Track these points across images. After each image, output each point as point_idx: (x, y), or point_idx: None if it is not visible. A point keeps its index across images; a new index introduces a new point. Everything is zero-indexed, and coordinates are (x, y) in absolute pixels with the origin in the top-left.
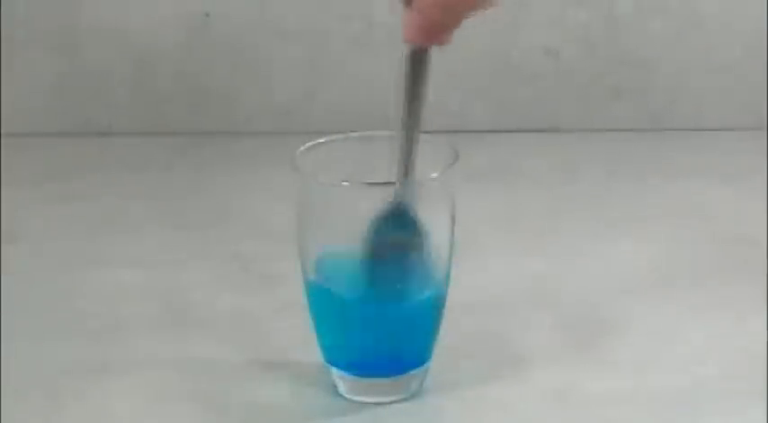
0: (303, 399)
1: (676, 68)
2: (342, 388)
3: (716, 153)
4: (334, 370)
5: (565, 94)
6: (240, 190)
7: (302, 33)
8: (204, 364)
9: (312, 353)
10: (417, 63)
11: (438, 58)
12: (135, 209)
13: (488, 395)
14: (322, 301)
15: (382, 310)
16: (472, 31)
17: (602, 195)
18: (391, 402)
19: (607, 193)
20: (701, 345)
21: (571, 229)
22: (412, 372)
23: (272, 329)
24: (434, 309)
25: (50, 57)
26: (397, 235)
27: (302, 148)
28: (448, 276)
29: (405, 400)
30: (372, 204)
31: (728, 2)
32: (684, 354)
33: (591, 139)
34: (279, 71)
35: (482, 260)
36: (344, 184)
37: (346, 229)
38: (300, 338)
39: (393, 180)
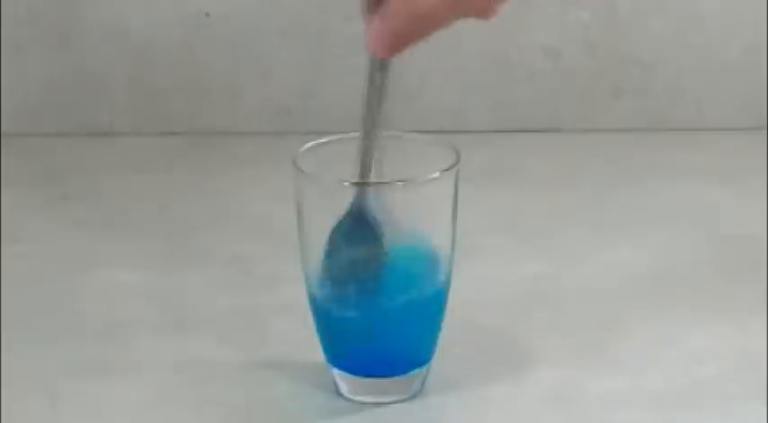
0: (303, 399)
1: (676, 68)
2: (343, 388)
3: (716, 153)
4: (334, 370)
5: (565, 94)
6: (240, 190)
7: (302, 33)
8: (204, 365)
9: (312, 353)
10: (379, 71)
11: (438, 58)
12: (135, 209)
13: (488, 395)
14: (323, 300)
15: (383, 310)
16: (472, 31)
17: (602, 195)
18: (392, 402)
19: (607, 193)
20: (701, 345)
21: (571, 228)
22: (413, 372)
23: (272, 329)
24: (435, 309)
25: (50, 57)
26: (354, 242)
27: (302, 148)
28: (449, 276)
29: (406, 400)
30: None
31: (728, 2)
32: (684, 354)
33: (591, 140)
34: (279, 71)
35: (482, 260)
36: (344, 184)
37: None
38: (300, 338)
39: (393, 180)
